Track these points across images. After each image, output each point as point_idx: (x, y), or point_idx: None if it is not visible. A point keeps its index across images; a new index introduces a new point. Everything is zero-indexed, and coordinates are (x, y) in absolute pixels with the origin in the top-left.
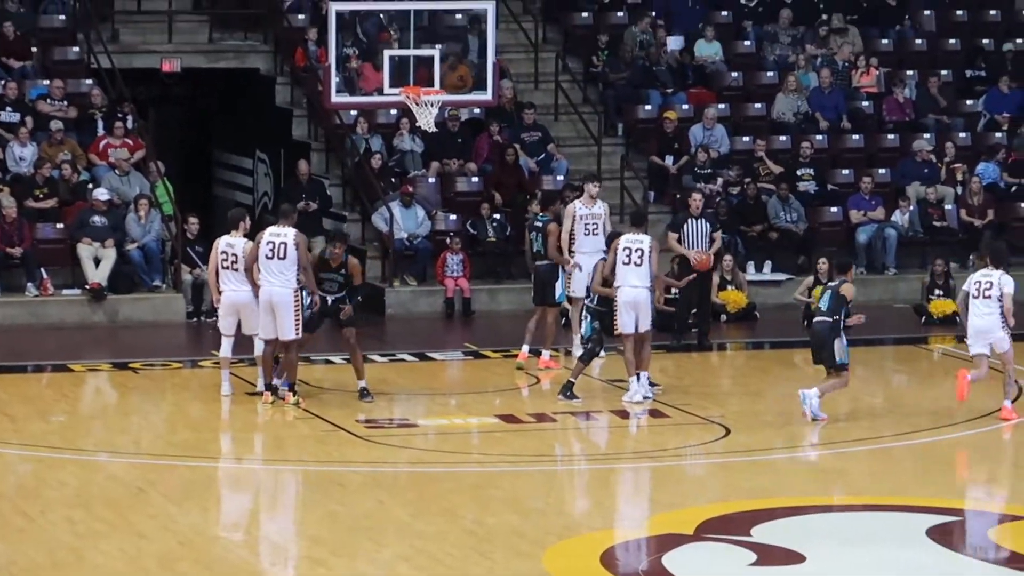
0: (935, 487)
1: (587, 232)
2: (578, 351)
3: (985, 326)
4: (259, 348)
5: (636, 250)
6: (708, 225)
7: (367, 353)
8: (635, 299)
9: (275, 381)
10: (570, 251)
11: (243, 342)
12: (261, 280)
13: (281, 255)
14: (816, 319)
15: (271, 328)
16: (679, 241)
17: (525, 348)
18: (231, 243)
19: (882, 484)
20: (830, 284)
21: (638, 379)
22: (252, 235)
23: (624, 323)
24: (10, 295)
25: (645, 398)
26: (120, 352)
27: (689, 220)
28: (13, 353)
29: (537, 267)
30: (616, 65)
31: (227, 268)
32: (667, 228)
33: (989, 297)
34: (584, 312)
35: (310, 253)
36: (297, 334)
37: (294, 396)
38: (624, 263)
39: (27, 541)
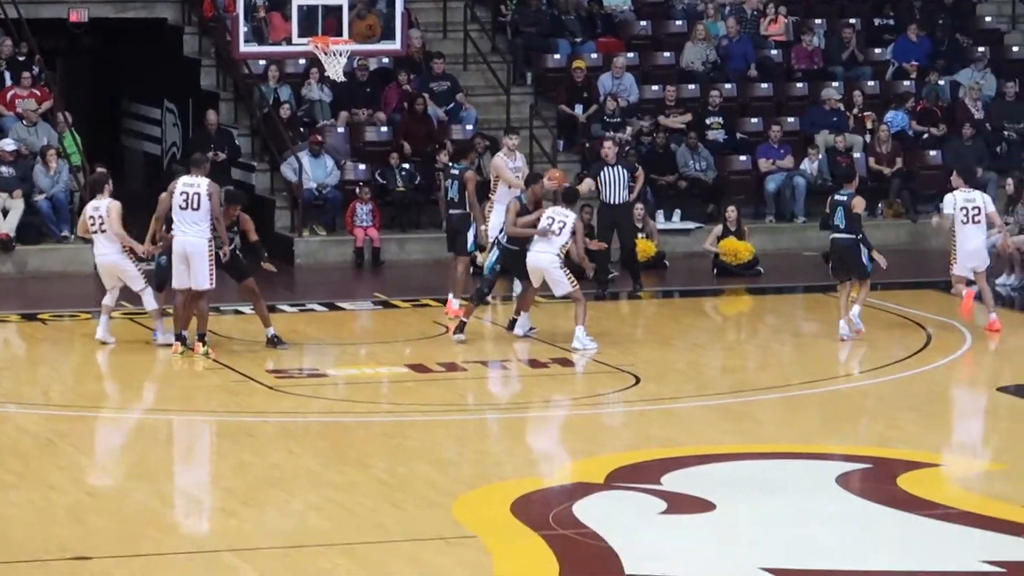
0: (844, 435)
1: (508, 184)
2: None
3: (978, 247)
4: (148, 304)
5: (559, 221)
6: (625, 172)
7: (277, 303)
8: (537, 263)
9: (184, 332)
10: (488, 199)
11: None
12: (175, 230)
13: (195, 206)
14: (835, 236)
15: (185, 277)
16: (597, 188)
17: (451, 298)
18: (96, 206)
19: (791, 432)
20: (838, 199)
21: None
22: (164, 186)
23: (533, 281)
24: None
25: (587, 348)
26: (29, 303)
27: (605, 168)
28: None
29: (450, 216)
30: (525, 14)
31: (96, 232)
32: (583, 175)
33: (979, 222)
34: (493, 247)
35: None
36: (211, 284)
37: (204, 346)
38: (545, 227)
39: None
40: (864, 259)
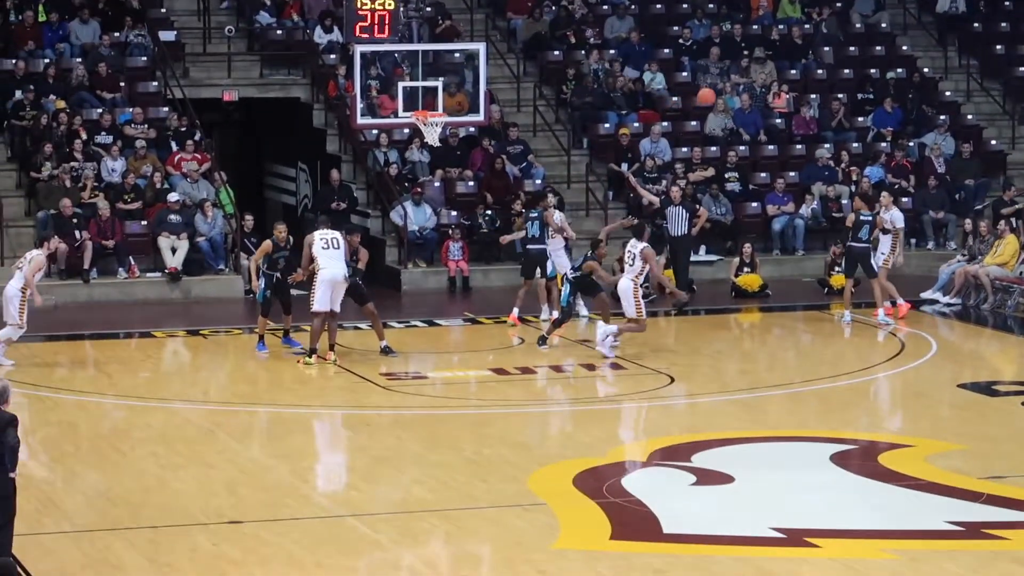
0: (835, 423)
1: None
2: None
3: None
4: (3, 335)
5: (630, 253)
6: (687, 211)
7: (388, 320)
8: (620, 288)
9: (316, 346)
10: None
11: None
12: (324, 266)
13: (336, 246)
14: (854, 244)
15: (328, 301)
16: (665, 222)
17: (515, 311)
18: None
19: (794, 420)
20: (864, 218)
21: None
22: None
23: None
24: (105, 278)
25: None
26: (192, 322)
27: (671, 207)
28: (108, 323)
29: (529, 250)
30: (581, 92)
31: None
32: (630, 217)
33: None
34: (564, 283)
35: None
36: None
37: (333, 355)
38: (628, 264)
39: (120, 471)
40: (874, 263)
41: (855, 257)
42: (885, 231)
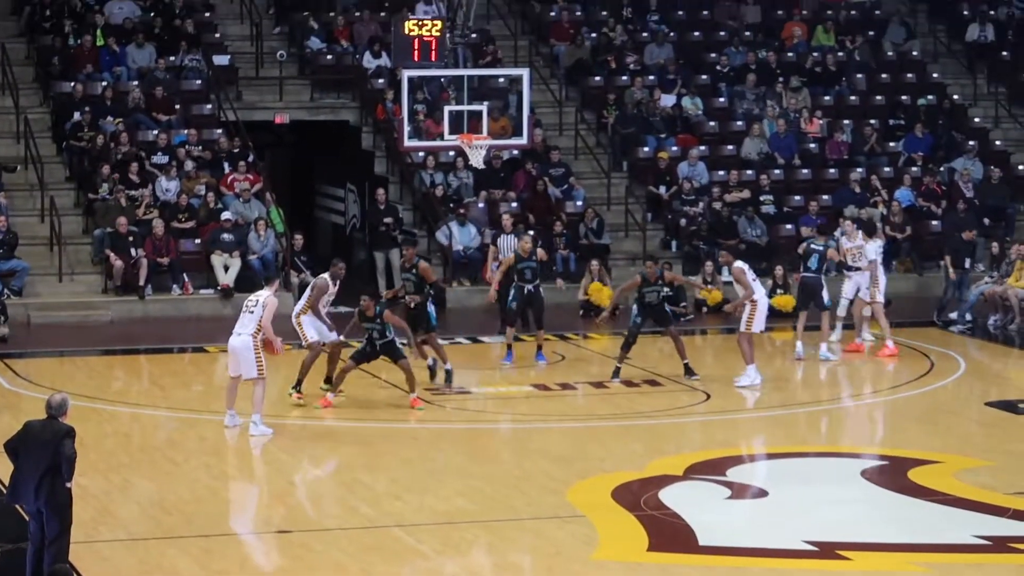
0: (866, 439)
1: None
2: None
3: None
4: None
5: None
6: (518, 240)
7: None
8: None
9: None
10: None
11: None
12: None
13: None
14: (806, 275)
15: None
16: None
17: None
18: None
19: (825, 436)
20: (815, 247)
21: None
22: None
23: None
24: (160, 294)
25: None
26: None
27: (502, 236)
28: (162, 339)
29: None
30: (622, 117)
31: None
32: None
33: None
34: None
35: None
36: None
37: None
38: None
39: (174, 482)
40: (824, 296)
41: (807, 289)
42: (848, 267)
